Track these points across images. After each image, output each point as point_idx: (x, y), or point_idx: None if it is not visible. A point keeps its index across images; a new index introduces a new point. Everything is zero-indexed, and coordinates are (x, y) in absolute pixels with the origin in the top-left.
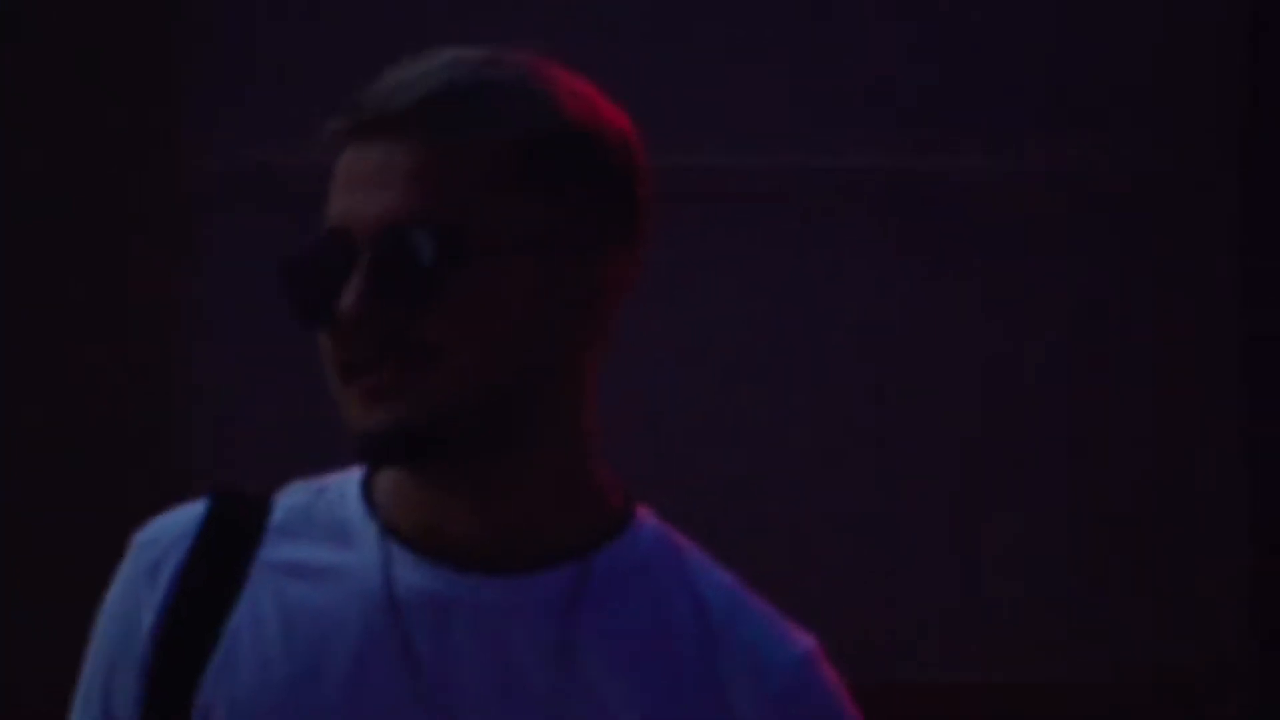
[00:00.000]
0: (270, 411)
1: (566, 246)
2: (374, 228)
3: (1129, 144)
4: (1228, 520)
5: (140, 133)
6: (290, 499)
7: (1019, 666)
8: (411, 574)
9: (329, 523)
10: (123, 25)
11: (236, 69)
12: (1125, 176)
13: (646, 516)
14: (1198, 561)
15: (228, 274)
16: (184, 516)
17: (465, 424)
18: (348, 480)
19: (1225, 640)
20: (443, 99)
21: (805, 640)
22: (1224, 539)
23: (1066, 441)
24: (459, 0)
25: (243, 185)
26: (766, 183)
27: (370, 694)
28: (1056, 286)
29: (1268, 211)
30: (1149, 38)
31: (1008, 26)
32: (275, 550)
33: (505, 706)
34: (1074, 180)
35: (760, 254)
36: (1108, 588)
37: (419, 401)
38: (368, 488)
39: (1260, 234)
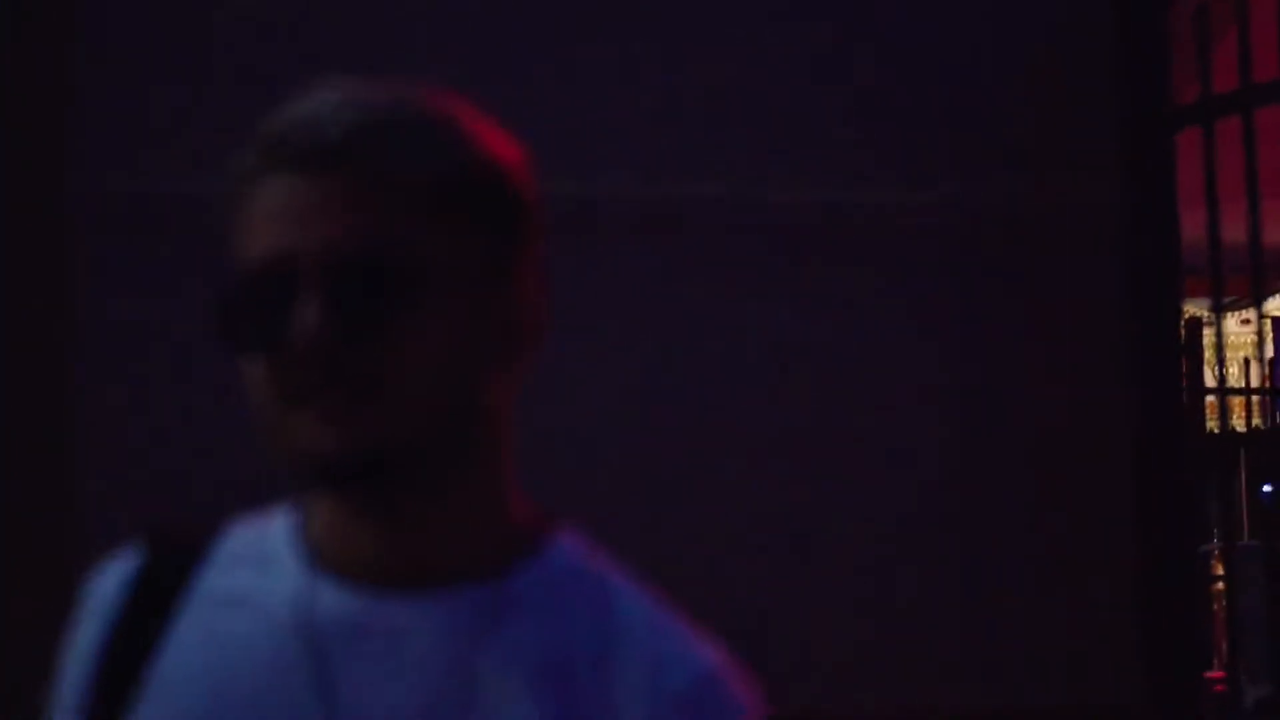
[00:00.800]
0: (150, 435)
1: (487, 276)
2: (319, 259)
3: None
4: (1119, 563)
5: (25, 158)
6: (235, 530)
7: (918, 693)
8: (329, 600)
9: (256, 552)
10: (13, 50)
11: (125, 98)
12: (1026, 208)
13: (567, 538)
14: (1092, 597)
15: (109, 299)
16: (121, 560)
17: (410, 450)
18: (285, 510)
19: (1118, 683)
20: (371, 134)
21: (708, 657)
22: (1116, 582)
23: (965, 473)
24: (343, 33)
25: (123, 212)
26: (675, 212)
27: (278, 717)
28: (961, 313)
29: (1153, 234)
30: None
31: (922, 62)
32: (206, 581)
33: None
34: (985, 211)
35: (672, 283)
36: (1005, 621)
37: (373, 427)
38: (299, 517)
39: (1146, 256)
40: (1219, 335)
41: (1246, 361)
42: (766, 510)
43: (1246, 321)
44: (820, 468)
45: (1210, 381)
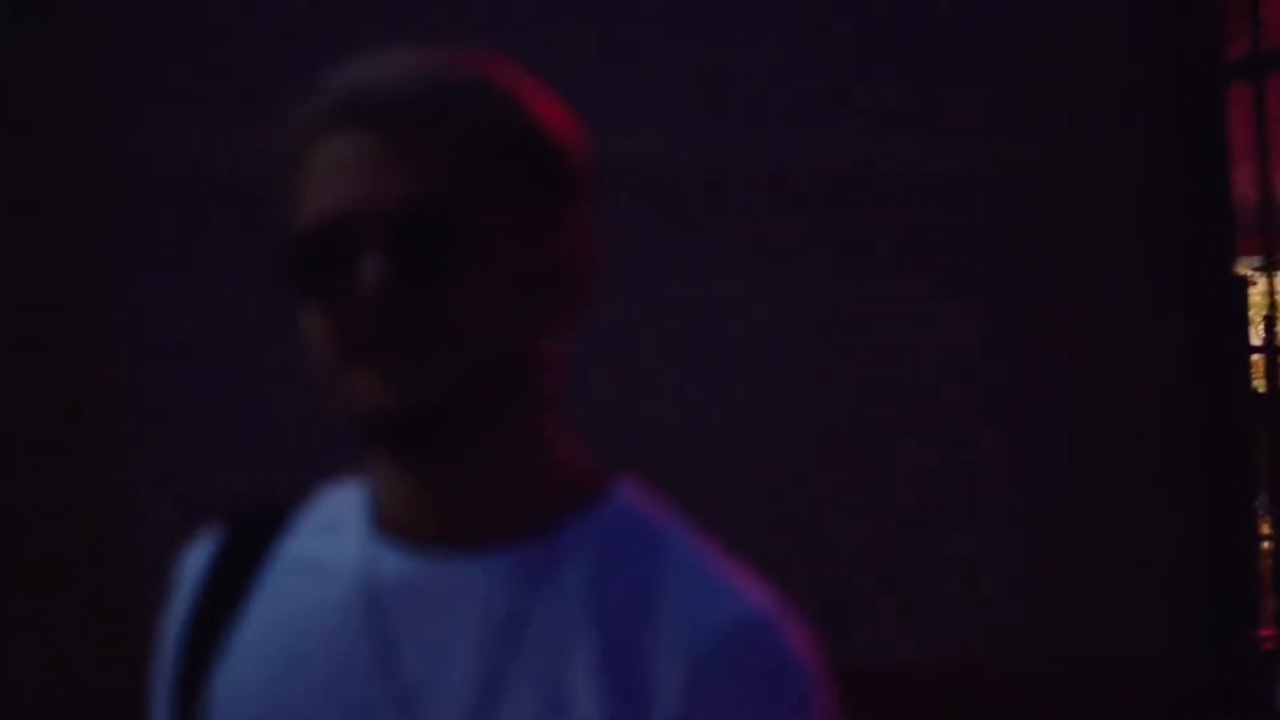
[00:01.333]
0: (199, 406)
1: (540, 233)
2: (384, 212)
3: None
4: (1176, 516)
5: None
6: (321, 497)
7: (970, 648)
8: (388, 563)
9: (331, 518)
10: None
11: (151, 63)
12: (1077, 171)
13: (622, 489)
14: (1145, 556)
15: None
16: (209, 534)
17: (472, 402)
18: (360, 476)
19: (1165, 635)
20: (431, 93)
21: (755, 604)
22: (1172, 535)
23: (1019, 436)
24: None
25: (162, 178)
26: (704, 170)
27: (341, 682)
28: (1002, 280)
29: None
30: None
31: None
32: (286, 549)
33: (461, 681)
34: (1027, 168)
35: (699, 242)
36: (1056, 578)
37: (434, 380)
38: (369, 483)
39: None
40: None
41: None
42: (808, 469)
43: None
44: (861, 427)
45: (1256, 341)
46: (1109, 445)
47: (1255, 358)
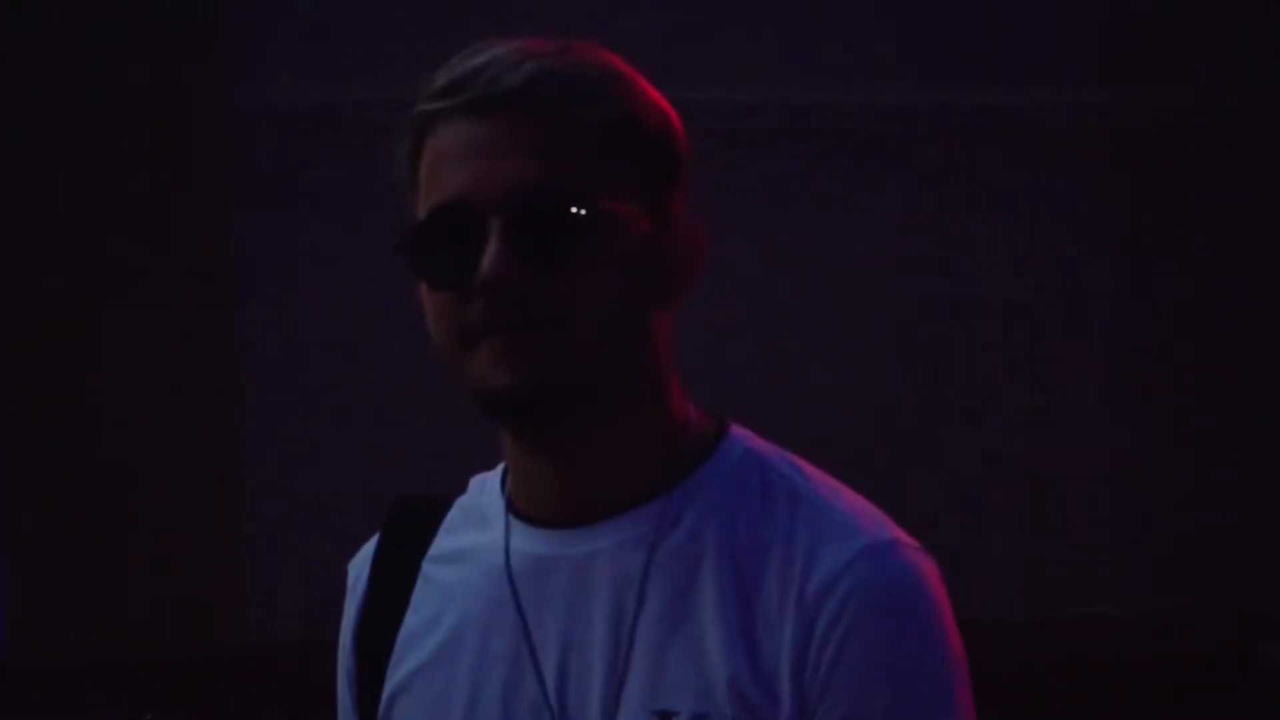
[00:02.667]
0: (315, 363)
1: (655, 215)
2: (505, 196)
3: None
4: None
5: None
6: (471, 487)
7: (1085, 600)
8: (524, 542)
9: (475, 510)
10: None
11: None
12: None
13: (737, 438)
14: (1259, 503)
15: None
16: (374, 539)
17: (594, 380)
18: (499, 468)
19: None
20: (548, 80)
21: (876, 534)
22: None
23: (1121, 376)
24: None
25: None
26: (782, 119)
27: (491, 663)
28: (1082, 226)
29: None
30: None
31: None
32: (439, 544)
33: (600, 645)
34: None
35: (775, 190)
36: (1172, 524)
37: (557, 360)
38: (505, 473)
39: None
40: None
41: None
42: (888, 415)
43: None
44: (944, 370)
45: None
46: (1207, 395)
47: None
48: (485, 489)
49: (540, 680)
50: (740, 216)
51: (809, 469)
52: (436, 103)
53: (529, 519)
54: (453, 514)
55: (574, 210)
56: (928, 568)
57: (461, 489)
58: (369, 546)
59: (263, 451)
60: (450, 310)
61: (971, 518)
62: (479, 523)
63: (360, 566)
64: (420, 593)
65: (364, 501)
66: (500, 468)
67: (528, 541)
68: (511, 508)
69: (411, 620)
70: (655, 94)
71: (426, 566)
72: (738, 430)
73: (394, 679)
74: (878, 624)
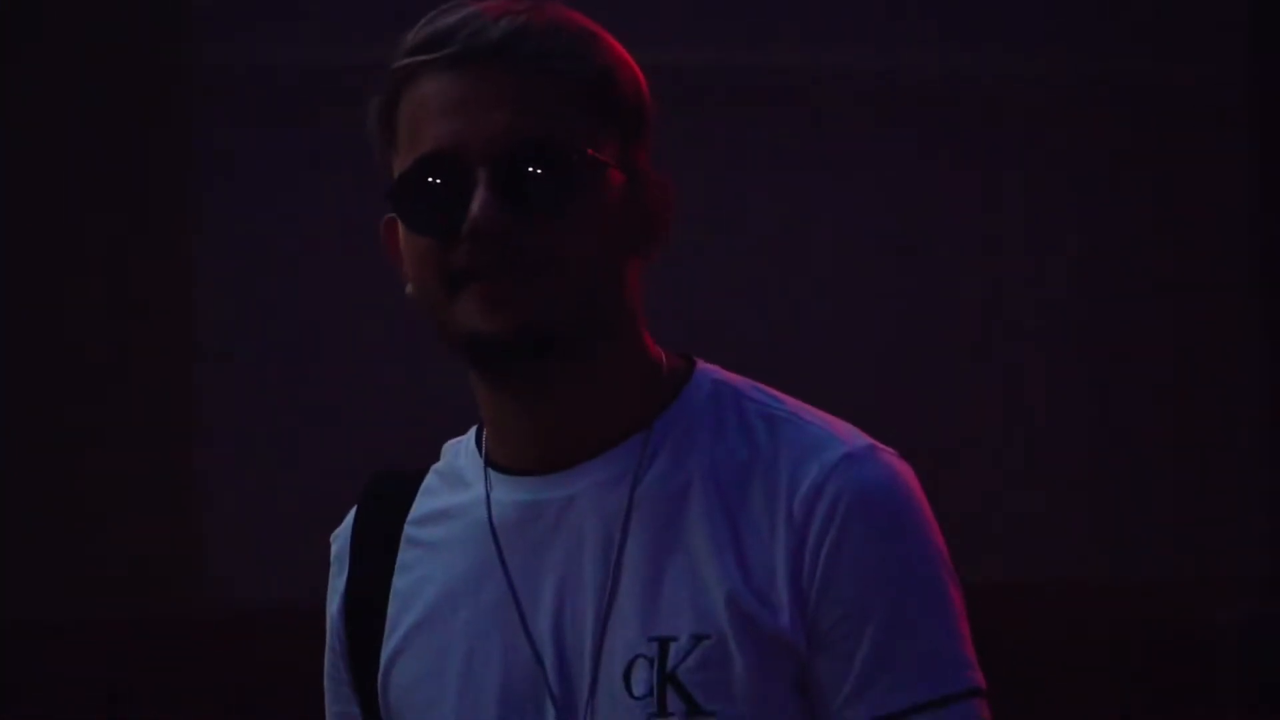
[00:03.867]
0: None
1: (631, 167)
2: (492, 146)
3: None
4: (1250, 435)
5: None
6: (444, 453)
7: (1041, 566)
8: (507, 493)
9: (452, 472)
10: None
11: None
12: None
13: (706, 372)
14: (1215, 471)
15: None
16: (350, 516)
17: (577, 325)
18: (471, 431)
19: (1238, 548)
20: (528, 34)
21: (854, 442)
22: (1246, 450)
23: (1088, 353)
24: None
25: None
26: (778, 82)
27: (485, 615)
28: (1083, 191)
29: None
30: None
31: None
32: (419, 507)
33: (589, 580)
34: (1110, 87)
35: (768, 153)
36: (1127, 494)
37: (543, 305)
38: (480, 433)
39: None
40: None
41: None
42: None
43: None
44: (944, 340)
45: None
46: (1194, 371)
47: None
48: (460, 451)
49: (527, 631)
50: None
51: (779, 393)
52: (415, 57)
53: (509, 470)
54: (429, 478)
55: (562, 160)
56: (906, 470)
57: (430, 459)
58: (348, 518)
59: (214, 437)
60: (434, 256)
61: (944, 479)
62: (457, 483)
63: (342, 538)
64: (405, 555)
65: (318, 483)
66: (473, 430)
67: (511, 492)
68: (490, 463)
69: (400, 582)
70: (625, 52)
71: (409, 529)
72: (705, 365)
73: (391, 641)
74: (868, 524)
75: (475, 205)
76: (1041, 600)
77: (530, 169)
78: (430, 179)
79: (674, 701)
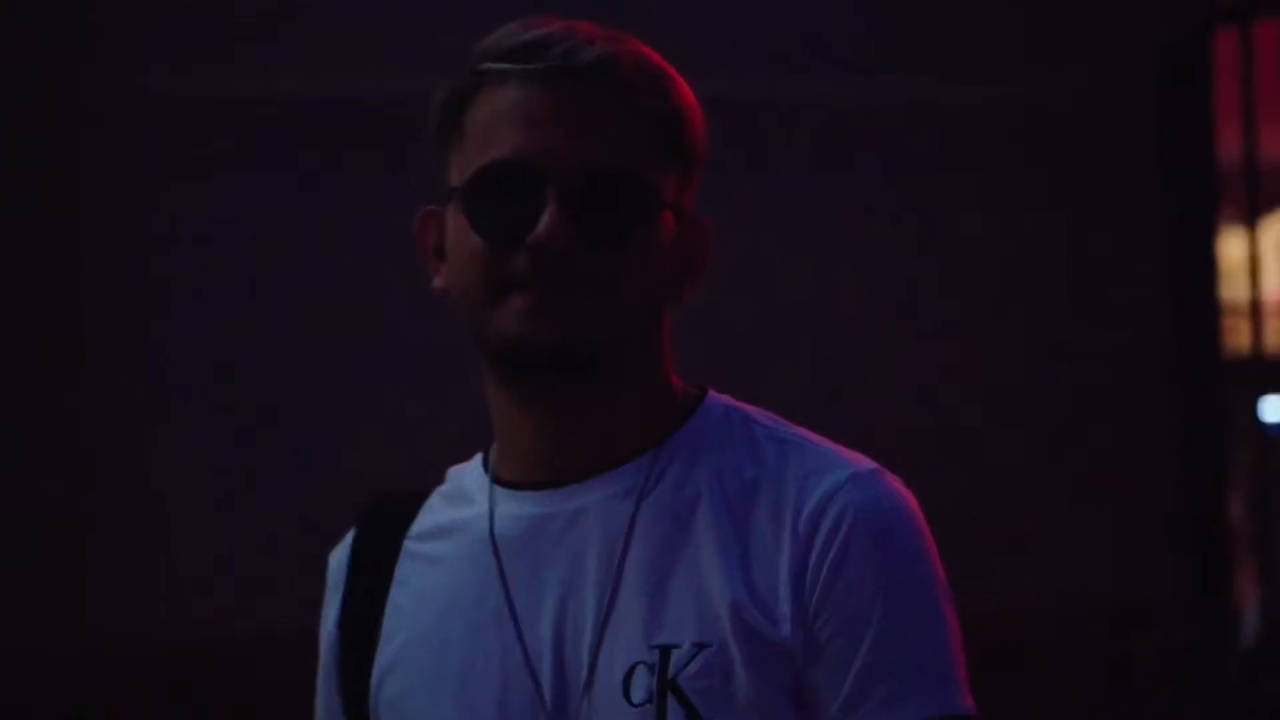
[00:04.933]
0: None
1: (680, 208)
2: (568, 167)
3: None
4: (1155, 455)
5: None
6: (449, 475)
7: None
8: (512, 508)
9: (457, 490)
10: None
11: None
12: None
13: (717, 399)
14: (1127, 491)
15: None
16: (349, 535)
17: (619, 348)
18: (479, 454)
19: (1153, 571)
20: (622, 66)
21: (861, 464)
22: (1152, 471)
23: (994, 369)
24: None
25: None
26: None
27: (480, 625)
28: (992, 211)
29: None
30: None
31: None
32: (420, 524)
33: (591, 589)
34: (1019, 109)
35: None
36: (1038, 515)
37: (587, 325)
38: (486, 455)
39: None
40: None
41: None
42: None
43: None
44: (859, 358)
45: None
46: (1092, 385)
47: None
48: (465, 473)
49: (522, 642)
50: None
51: (788, 422)
52: (503, 64)
53: (515, 486)
54: (432, 499)
55: (632, 193)
56: (909, 495)
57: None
58: (347, 539)
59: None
60: (487, 259)
61: None
62: (460, 501)
63: (340, 557)
64: (405, 569)
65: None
66: (480, 454)
67: (516, 506)
68: (495, 480)
69: (398, 596)
70: (692, 95)
71: (408, 545)
72: (717, 394)
73: (385, 654)
74: (871, 540)
75: (544, 220)
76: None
77: (608, 198)
78: (497, 183)
79: (673, 709)
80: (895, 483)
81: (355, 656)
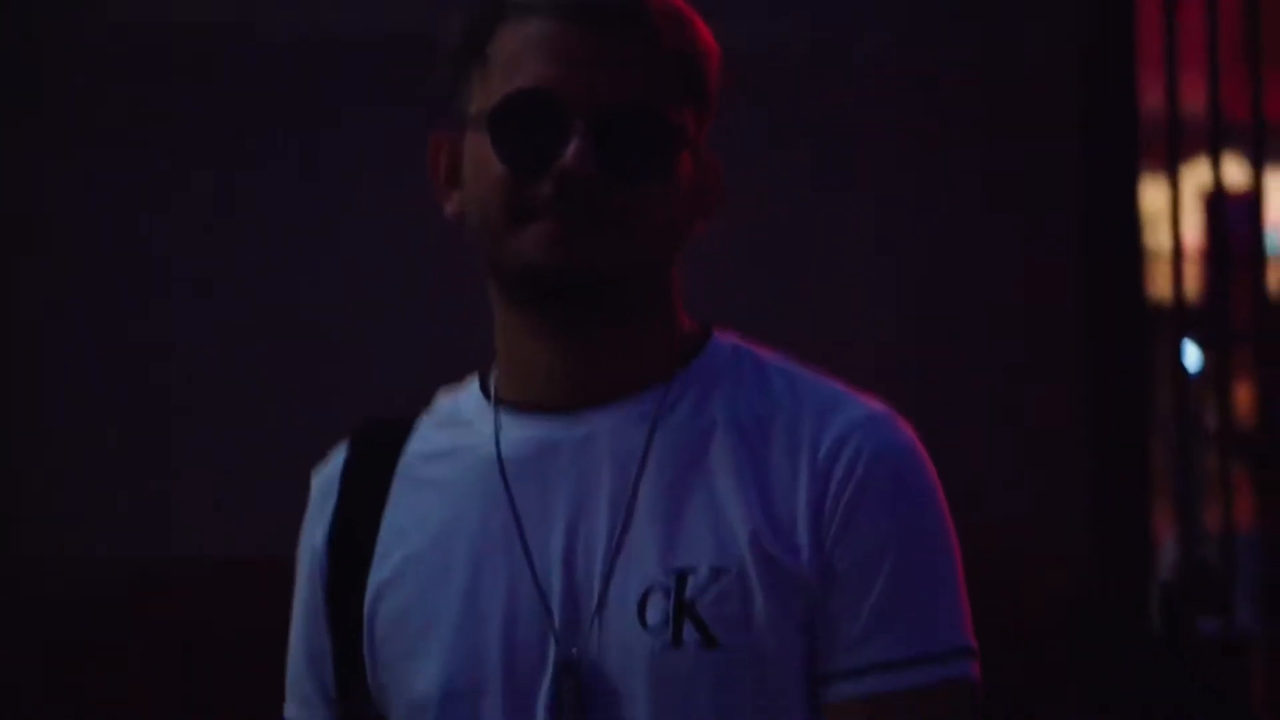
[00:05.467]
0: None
1: (696, 145)
2: (595, 99)
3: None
4: (1067, 410)
5: None
6: (437, 401)
7: None
8: (519, 431)
9: (454, 414)
10: None
11: None
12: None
13: (725, 336)
14: (1036, 446)
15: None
16: (341, 450)
17: (638, 279)
18: (471, 378)
19: (1061, 528)
20: (648, 6)
21: (876, 406)
22: (1063, 428)
23: (909, 329)
24: None
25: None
26: None
27: (487, 544)
28: (912, 161)
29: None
30: None
31: None
32: (414, 447)
33: (603, 513)
34: (938, 56)
35: None
36: (950, 466)
37: (606, 254)
38: (483, 379)
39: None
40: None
41: None
42: None
43: None
44: (788, 310)
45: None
46: (1012, 330)
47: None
48: (460, 396)
49: (530, 561)
50: None
51: (793, 361)
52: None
53: (522, 409)
54: (423, 421)
55: (655, 129)
56: (919, 441)
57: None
58: (337, 458)
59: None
60: (508, 186)
61: None
62: (456, 424)
63: (329, 474)
64: (400, 491)
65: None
66: (474, 377)
67: (523, 429)
68: (500, 402)
69: (394, 517)
70: (712, 39)
71: (404, 467)
72: (722, 331)
73: (380, 572)
74: (889, 480)
75: (571, 150)
76: None
77: (634, 133)
78: (521, 112)
79: (689, 632)
80: (908, 428)
81: (346, 573)
